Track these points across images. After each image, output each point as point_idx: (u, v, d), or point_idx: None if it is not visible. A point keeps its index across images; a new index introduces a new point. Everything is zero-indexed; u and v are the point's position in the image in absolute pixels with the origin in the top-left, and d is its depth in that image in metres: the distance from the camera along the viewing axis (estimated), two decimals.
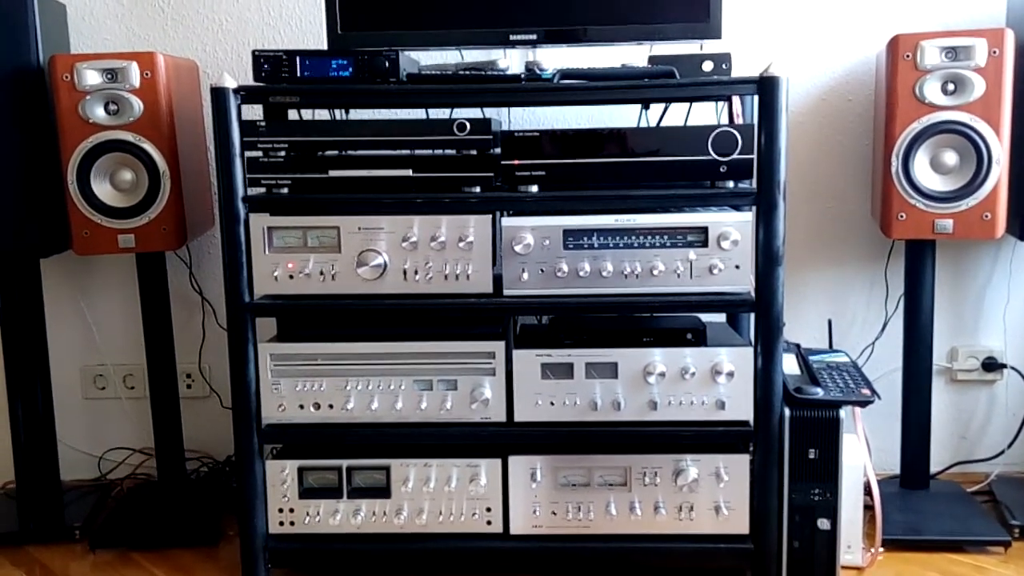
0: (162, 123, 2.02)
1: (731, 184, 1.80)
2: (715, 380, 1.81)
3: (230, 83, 1.78)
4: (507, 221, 1.80)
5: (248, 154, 1.83)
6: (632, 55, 2.07)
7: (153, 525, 2.17)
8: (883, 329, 2.35)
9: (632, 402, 1.83)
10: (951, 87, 1.94)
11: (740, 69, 2.03)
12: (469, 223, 1.81)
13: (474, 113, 2.11)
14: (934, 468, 2.27)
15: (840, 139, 2.34)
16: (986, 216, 1.97)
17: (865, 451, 1.94)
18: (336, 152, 1.86)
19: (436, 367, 1.85)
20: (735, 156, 1.77)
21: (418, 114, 2.16)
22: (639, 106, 2.20)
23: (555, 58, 2.07)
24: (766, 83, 1.73)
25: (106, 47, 2.36)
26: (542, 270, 1.81)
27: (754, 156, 1.77)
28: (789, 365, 1.95)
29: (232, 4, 2.37)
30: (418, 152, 1.84)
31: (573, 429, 1.85)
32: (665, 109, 2.17)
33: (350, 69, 1.83)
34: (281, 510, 1.90)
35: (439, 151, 1.84)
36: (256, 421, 1.87)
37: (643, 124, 2.21)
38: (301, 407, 1.87)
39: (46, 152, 2.09)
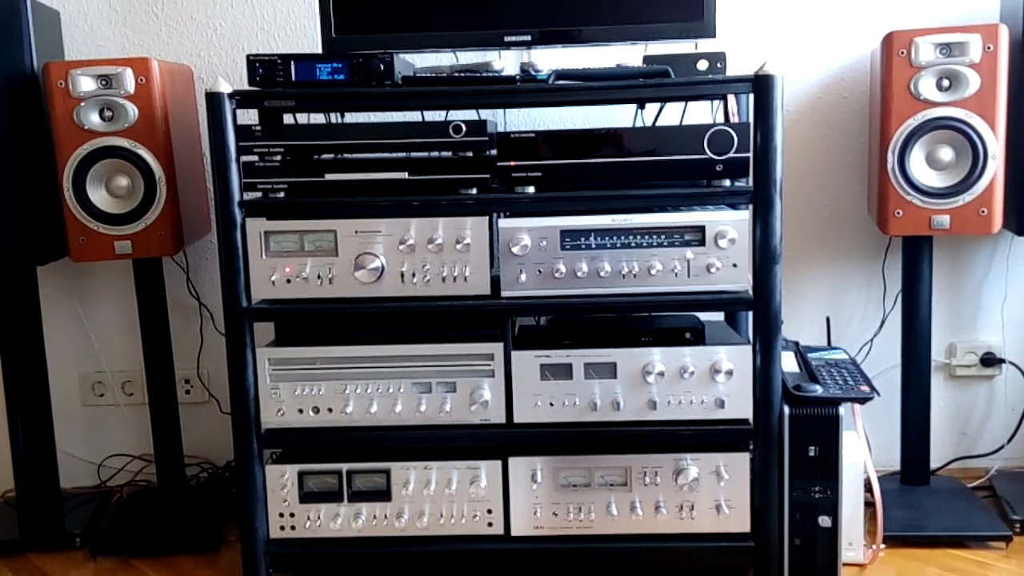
0: (157, 129, 2.02)
1: (727, 183, 1.80)
2: (714, 379, 1.81)
3: (225, 88, 1.78)
4: (504, 222, 1.80)
5: (244, 159, 1.82)
6: (627, 55, 2.07)
7: (154, 531, 2.16)
8: (881, 326, 2.35)
9: (631, 402, 1.83)
10: (946, 83, 1.95)
11: (735, 68, 2.04)
12: (466, 225, 1.81)
13: (470, 115, 2.11)
14: (934, 464, 2.27)
15: (836, 136, 2.35)
16: (982, 211, 1.97)
17: (865, 448, 1.94)
18: (332, 156, 1.85)
19: (435, 369, 1.85)
20: (731, 155, 1.78)
21: (414, 117, 2.16)
22: (634, 106, 2.20)
23: (550, 59, 2.07)
24: (761, 81, 1.73)
25: (100, 53, 2.36)
26: (540, 271, 1.81)
27: (750, 154, 1.77)
28: (788, 363, 1.95)
29: (226, 9, 2.37)
30: (414, 155, 1.84)
31: (573, 430, 1.85)
32: (660, 109, 2.18)
33: (345, 72, 1.83)
34: (282, 515, 1.90)
35: (435, 153, 1.84)
36: (255, 426, 1.87)
37: (639, 124, 2.21)
38: (300, 411, 1.87)
39: (41, 159, 2.09)
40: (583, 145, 1.81)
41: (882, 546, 1.99)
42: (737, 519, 1.85)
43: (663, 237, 1.79)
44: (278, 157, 1.83)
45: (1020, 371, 2.34)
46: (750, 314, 1.87)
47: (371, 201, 1.83)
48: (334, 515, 1.89)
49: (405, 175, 1.83)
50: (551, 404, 1.84)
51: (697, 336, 1.85)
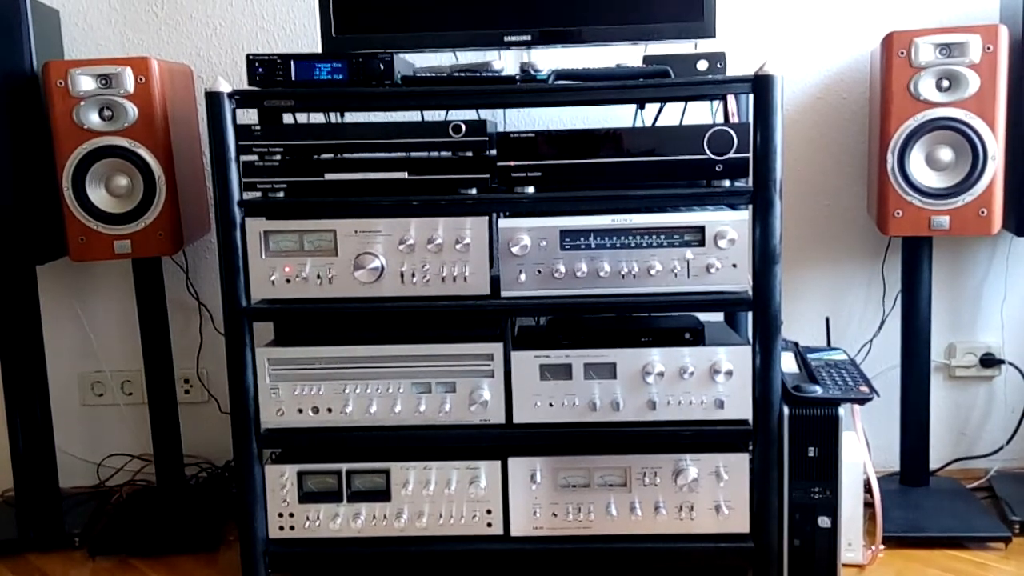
0: (157, 128, 2.02)
1: (727, 183, 1.80)
2: (714, 379, 1.81)
3: (225, 87, 1.78)
4: (504, 222, 1.80)
5: (243, 158, 1.82)
6: (627, 55, 2.07)
7: (153, 531, 2.16)
8: (881, 326, 2.35)
9: (631, 402, 1.83)
10: (946, 84, 1.95)
11: (735, 68, 2.04)
12: (466, 225, 1.81)
13: (469, 115, 2.11)
14: (933, 465, 2.27)
15: (835, 137, 2.35)
16: (982, 212, 1.97)
17: (864, 449, 1.94)
18: (332, 155, 1.85)
19: (434, 370, 1.85)
20: (731, 155, 1.77)
21: (413, 117, 2.16)
22: (634, 106, 2.20)
23: (550, 59, 2.07)
24: (761, 82, 1.73)
25: (100, 52, 2.36)
26: (539, 271, 1.80)
27: (750, 155, 1.77)
28: (787, 363, 1.95)
29: (226, 8, 2.37)
30: (414, 155, 1.84)
31: (572, 430, 1.85)
32: (660, 109, 2.17)
33: (345, 72, 1.82)
34: (281, 515, 1.90)
35: (435, 153, 1.84)
36: (255, 426, 1.86)
37: (638, 124, 2.21)
38: (300, 411, 1.86)
39: (41, 159, 2.09)
40: (583, 145, 1.81)
41: (881, 547, 1.99)
42: (736, 520, 1.85)
43: (663, 237, 1.79)
44: (278, 157, 1.83)
45: (1019, 372, 2.35)
46: (750, 314, 1.87)
47: (371, 201, 1.83)
48: (333, 515, 1.89)
49: (405, 175, 1.83)
50: (551, 404, 1.84)
51: (697, 336, 1.85)
